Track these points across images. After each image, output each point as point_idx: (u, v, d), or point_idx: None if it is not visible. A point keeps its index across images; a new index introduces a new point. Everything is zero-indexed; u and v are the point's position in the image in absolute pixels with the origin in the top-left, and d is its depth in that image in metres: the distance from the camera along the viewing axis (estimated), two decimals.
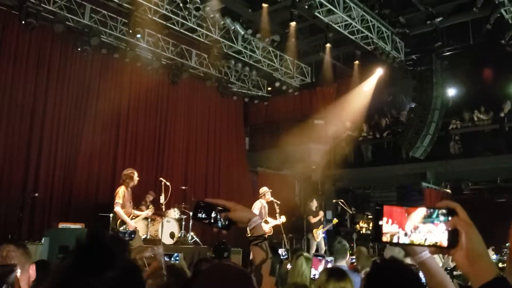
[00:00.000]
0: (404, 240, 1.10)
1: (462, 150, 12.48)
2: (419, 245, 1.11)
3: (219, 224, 1.65)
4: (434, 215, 1.10)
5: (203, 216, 1.65)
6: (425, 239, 1.10)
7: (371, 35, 11.53)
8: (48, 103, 10.38)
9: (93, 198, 10.69)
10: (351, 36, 11.51)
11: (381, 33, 11.88)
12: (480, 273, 1.05)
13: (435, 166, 12.29)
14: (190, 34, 11.31)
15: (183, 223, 10.49)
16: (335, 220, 11.60)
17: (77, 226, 8.57)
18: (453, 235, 1.08)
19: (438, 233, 1.10)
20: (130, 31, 10.31)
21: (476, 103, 12.79)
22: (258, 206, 9.78)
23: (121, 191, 7.86)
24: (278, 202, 9.86)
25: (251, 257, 1.72)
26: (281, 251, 5.19)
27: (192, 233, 10.52)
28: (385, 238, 1.11)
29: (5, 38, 9.80)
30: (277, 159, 14.14)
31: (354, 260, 5.81)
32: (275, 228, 10.02)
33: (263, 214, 9.88)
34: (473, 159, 11.89)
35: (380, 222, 1.11)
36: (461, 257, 1.08)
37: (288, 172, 14.47)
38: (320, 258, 4.01)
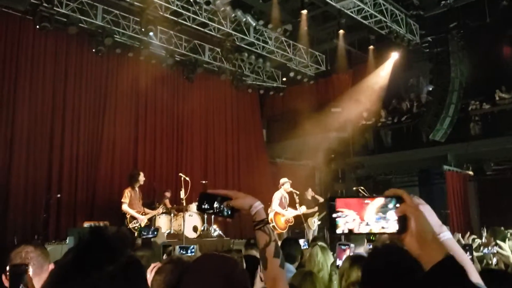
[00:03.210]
0: (362, 229, 1.16)
1: (482, 130, 12.27)
2: (374, 233, 1.17)
3: (224, 213, 1.73)
4: (390, 204, 1.16)
5: (207, 206, 1.73)
6: (381, 227, 1.16)
7: (384, 19, 11.39)
8: (67, 104, 10.56)
9: (116, 196, 10.80)
10: (364, 21, 11.38)
11: (395, 16, 11.72)
12: (430, 255, 1.11)
13: (456, 148, 12.11)
14: (202, 29, 11.34)
15: (205, 216, 10.57)
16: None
17: (102, 224, 8.71)
18: (402, 221, 1.14)
19: (389, 220, 1.16)
20: (143, 29, 10.38)
21: (496, 82, 12.54)
22: (279, 196, 9.82)
23: (126, 191, 8.73)
24: (298, 192, 9.87)
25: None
26: (301, 241, 5.21)
27: (215, 226, 10.60)
28: (340, 230, 1.17)
29: (21, 44, 9.97)
30: (296, 150, 14.11)
31: (370, 247, 5.78)
32: (297, 218, 10.03)
33: (284, 205, 9.91)
34: (495, 139, 11.67)
35: (334, 215, 1.16)
36: (411, 242, 1.14)
37: (308, 161, 14.43)
38: (344, 247, 3.97)
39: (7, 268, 1.86)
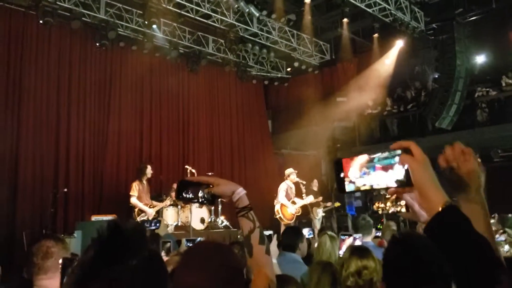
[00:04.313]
0: (365, 186, 1.13)
1: (489, 117, 12.18)
2: (381, 189, 1.12)
3: (204, 201, 1.70)
4: (392, 157, 1.11)
5: (191, 196, 1.69)
6: (363, 184, 1.12)
7: (388, 7, 11.28)
8: (72, 99, 10.56)
9: (123, 189, 10.86)
10: (368, 9, 11.28)
11: (399, 4, 11.60)
12: (430, 205, 1.05)
13: (462, 136, 12.01)
14: (205, 21, 11.28)
15: (213, 208, 10.60)
16: (337, 204, 11.49)
17: (109, 217, 8.75)
18: (407, 173, 1.09)
19: (397, 174, 1.10)
20: (146, 22, 10.36)
21: (502, 69, 12.43)
22: (284, 188, 9.83)
23: (134, 184, 8.77)
24: (304, 183, 9.88)
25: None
26: (305, 230, 5.18)
27: (222, 217, 10.63)
28: (348, 189, 1.14)
29: (25, 39, 9.98)
30: (301, 140, 14.08)
31: (378, 234, 5.78)
32: (304, 207, 10.05)
33: (290, 195, 9.92)
34: (502, 126, 11.58)
35: (342, 175, 1.14)
36: (416, 194, 1.09)
37: (313, 152, 14.41)
38: (344, 237, 3.99)
39: (61, 261, 1.89)
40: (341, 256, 3.71)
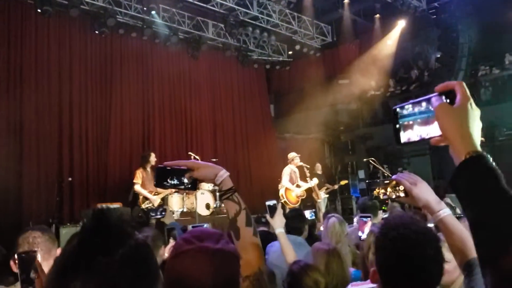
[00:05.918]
0: (416, 137, 1.08)
1: (493, 96, 12.10)
2: (430, 138, 1.05)
3: (185, 186, 1.65)
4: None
5: (175, 182, 1.65)
6: (430, 132, 1.05)
7: None
8: (73, 87, 10.51)
9: (127, 176, 10.87)
10: None
11: None
12: (456, 155, 0.97)
13: None
14: (205, 5, 11.19)
15: (217, 194, 10.62)
16: (344, 182, 11.47)
17: (115, 205, 8.78)
18: None
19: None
20: (145, 8, 10.29)
21: (505, 46, 12.31)
22: (288, 171, 9.81)
23: (138, 172, 8.75)
24: (308, 166, 9.85)
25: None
26: (307, 212, 5.14)
27: None
28: (403, 139, 1.10)
29: (24, 29, 9.91)
30: (304, 124, 14.03)
31: (386, 216, 5.76)
32: (308, 191, 10.05)
33: (294, 179, 9.91)
34: (505, 104, 11.51)
35: (397, 126, 1.09)
36: None
37: (317, 135, 14.38)
38: (366, 220, 3.95)
39: (15, 255, 1.83)
40: (362, 238, 3.68)
